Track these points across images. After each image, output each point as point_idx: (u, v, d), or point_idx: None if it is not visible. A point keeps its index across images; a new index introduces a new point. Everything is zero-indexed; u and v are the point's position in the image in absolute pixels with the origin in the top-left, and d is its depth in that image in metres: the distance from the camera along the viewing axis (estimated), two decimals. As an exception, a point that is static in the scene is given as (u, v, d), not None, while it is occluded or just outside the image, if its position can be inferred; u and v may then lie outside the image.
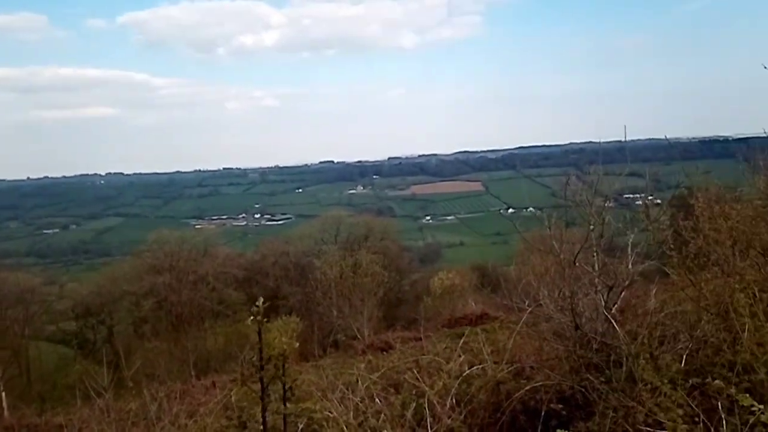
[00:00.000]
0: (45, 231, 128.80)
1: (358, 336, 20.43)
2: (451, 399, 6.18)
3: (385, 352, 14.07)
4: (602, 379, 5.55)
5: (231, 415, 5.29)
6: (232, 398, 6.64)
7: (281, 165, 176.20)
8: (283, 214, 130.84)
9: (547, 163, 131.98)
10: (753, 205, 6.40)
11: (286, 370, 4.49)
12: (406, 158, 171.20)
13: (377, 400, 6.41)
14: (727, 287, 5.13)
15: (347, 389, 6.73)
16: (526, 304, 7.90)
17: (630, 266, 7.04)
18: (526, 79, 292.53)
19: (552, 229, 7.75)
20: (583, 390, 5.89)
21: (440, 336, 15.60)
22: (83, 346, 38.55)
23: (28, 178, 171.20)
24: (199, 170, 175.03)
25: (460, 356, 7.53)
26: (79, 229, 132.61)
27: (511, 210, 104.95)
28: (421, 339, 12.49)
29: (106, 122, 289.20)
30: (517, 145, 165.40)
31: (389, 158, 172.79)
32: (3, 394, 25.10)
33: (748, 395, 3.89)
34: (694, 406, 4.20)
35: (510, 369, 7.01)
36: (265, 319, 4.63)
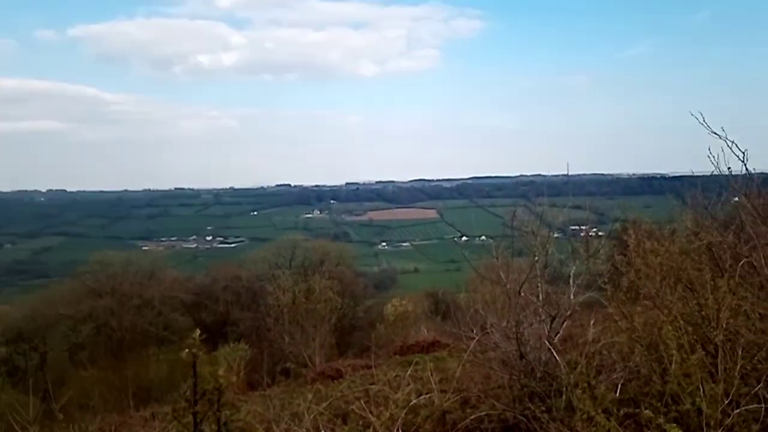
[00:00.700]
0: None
1: (309, 364, 20.24)
2: (398, 429, 6.23)
3: (335, 381, 14.02)
4: (543, 408, 5.70)
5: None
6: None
7: (236, 187, 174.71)
8: (236, 237, 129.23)
9: (500, 193, 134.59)
10: (680, 241, 6.75)
11: (222, 405, 4.42)
12: (364, 184, 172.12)
13: (323, 431, 6.41)
14: (656, 320, 5.36)
15: (293, 420, 6.72)
16: (474, 332, 8.03)
17: (572, 297, 7.28)
18: (481, 112, 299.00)
19: (499, 258, 7.96)
20: (525, 419, 6.03)
21: (391, 364, 15.60)
22: (13, 374, 36.25)
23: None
24: (149, 189, 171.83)
25: (408, 385, 7.60)
26: (15, 248, 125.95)
27: (464, 238, 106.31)
28: (371, 367, 12.51)
29: (49, 136, 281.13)
30: (472, 175, 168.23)
31: (347, 183, 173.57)
32: None
33: (675, 425, 4.08)
34: (626, 435, 4.38)
35: (457, 398, 7.11)
36: (203, 350, 4.55)
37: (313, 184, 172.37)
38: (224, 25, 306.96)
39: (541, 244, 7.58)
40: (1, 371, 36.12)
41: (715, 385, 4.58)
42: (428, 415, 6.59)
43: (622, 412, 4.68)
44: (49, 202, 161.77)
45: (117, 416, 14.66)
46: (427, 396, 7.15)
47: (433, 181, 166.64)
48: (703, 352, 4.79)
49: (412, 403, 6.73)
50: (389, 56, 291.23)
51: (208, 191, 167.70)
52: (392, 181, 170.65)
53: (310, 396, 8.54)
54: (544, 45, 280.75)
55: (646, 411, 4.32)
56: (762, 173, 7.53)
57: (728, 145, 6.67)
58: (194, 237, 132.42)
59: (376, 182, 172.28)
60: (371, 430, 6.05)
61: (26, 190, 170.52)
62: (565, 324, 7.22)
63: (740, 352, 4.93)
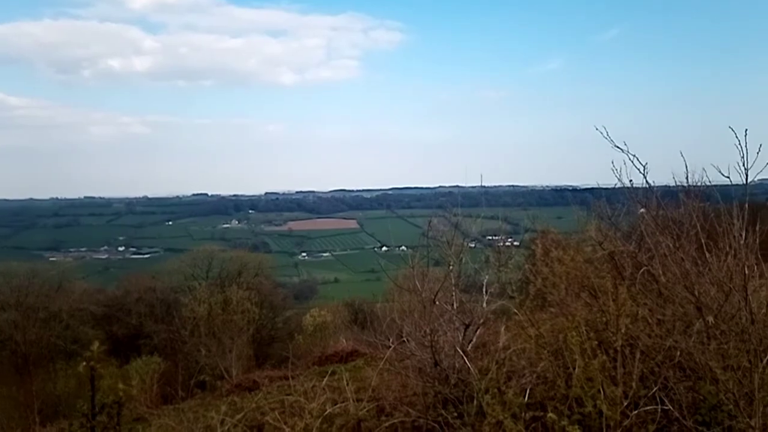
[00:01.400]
0: None
1: (226, 376, 19.83)
2: (312, 439, 6.21)
3: (251, 392, 13.79)
4: (456, 414, 5.81)
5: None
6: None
7: (150, 196, 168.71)
8: (150, 247, 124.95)
9: (419, 204, 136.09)
10: (585, 250, 7.07)
11: (122, 418, 4.27)
12: (284, 194, 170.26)
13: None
14: (562, 326, 5.59)
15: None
16: (391, 341, 8.10)
17: (485, 305, 7.48)
18: (401, 123, 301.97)
19: (415, 268, 8.08)
20: (439, 425, 6.14)
21: (309, 374, 15.50)
22: None
23: None
24: (57, 198, 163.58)
25: (324, 395, 7.58)
26: None
27: (384, 248, 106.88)
28: (289, 378, 12.37)
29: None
30: (392, 186, 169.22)
31: (266, 193, 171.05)
32: None
33: (578, 426, 4.26)
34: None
35: (372, 406, 7.15)
36: (114, 363, 4.39)
37: (231, 193, 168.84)
38: (136, 29, 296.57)
39: (455, 253, 7.76)
40: None
41: (615, 388, 4.82)
42: (343, 424, 6.60)
43: (529, 415, 4.84)
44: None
45: (21, 433, 13.94)
46: (343, 405, 7.16)
47: (353, 191, 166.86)
48: (605, 357, 5.03)
49: (326, 412, 6.73)
50: (309, 65, 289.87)
51: (120, 200, 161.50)
52: (312, 191, 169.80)
53: (224, 408, 8.37)
54: (462, 59, 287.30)
55: (550, 414, 4.49)
56: (662, 186, 7.99)
57: (630, 159, 7.01)
58: (105, 248, 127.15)
59: (296, 192, 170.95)
60: (286, 440, 5.99)
61: None
62: (478, 332, 7.40)
63: (639, 356, 5.21)
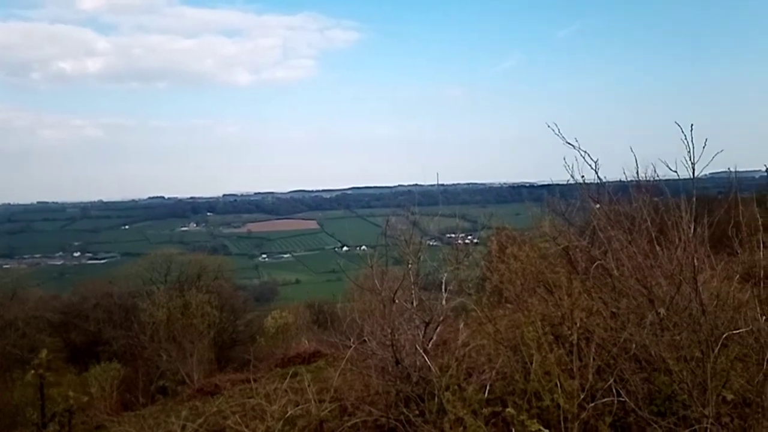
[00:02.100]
0: None
1: (187, 380, 19.57)
2: (274, 441, 6.18)
3: (213, 397, 13.66)
4: (417, 412, 5.85)
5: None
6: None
7: (105, 200, 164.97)
8: (106, 252, 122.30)
9: (378, 203, 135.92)
10: (539, 246, 7.19)
11: (73, 427, 4.20)
12: (242, 195, 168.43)
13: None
14: (518, 321, 5.68)
15: (165, 439, 6.49)
16: (352, 340, 8.11)
17: (444, 302, 7.55)
18: (359, 122, 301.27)
19: (374, 267, 8.10)
20: (401, 424, 6.17)
21: (272, 376, 15.41)
22: None
23: None
24: (9, 204, 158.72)
25: (286, 396, 7.55)
26: None
27: (344, 248, 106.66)
28: (251, 381, 12.28)
29: None
30: (351, 186, 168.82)
31: (224, 195, 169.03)
32: None
33: (536, 420, 4.33)
34: (493, 433, 4.60)
35: (334, 407, 7.15)
36: (70, 371, 4.31)
37: (189, 196, 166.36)
38: (88, 30, 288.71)
39: (414, 252, 7.80)
40: None
41: (572, 381, 4.91)
42: (305, 426, 6.58)
43: (489, 411, 4.90)
44: None
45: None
46: (305, 406, 7.14)
47: (312, 191, 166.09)
48: (561, 351, 5.12)
49: (288, 414, 6.70)
50: (265, 65, 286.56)
51: (75, 205, 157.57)
52: (271, 192, 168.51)
53: (185, 413, 8.28)
54: (420, 58, 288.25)
55: (509, 409, 4.55)
56: (614, 181, 8.16)
57: (581, 155, 7.13)
58: (60, 253, 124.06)
59: (255, 193, 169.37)
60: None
61: None
62: (438, 329, 7.46)
63: (594, 349, 5.31)
